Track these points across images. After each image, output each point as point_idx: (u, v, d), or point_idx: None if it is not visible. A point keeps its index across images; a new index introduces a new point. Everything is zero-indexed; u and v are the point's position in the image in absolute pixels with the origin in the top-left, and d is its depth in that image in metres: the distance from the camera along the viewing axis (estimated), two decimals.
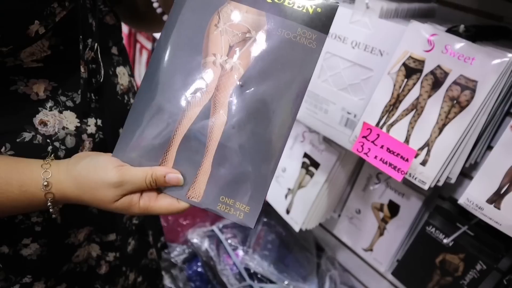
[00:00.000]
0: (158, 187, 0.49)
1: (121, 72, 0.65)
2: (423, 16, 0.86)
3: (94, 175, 0.47)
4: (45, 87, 0.52)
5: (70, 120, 0.54)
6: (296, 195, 1.00)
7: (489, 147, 0.79)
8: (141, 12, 0.69)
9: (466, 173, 0.85)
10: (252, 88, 0.47)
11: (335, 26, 0.79)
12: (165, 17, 0.64)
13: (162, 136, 0.48)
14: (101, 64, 0.56)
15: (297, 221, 1.00)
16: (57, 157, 0.54)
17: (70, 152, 0.54)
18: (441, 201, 0.90)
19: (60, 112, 0.54)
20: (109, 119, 0.61)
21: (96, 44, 0.54)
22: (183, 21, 0.49)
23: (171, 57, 0.48)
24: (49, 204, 0.48)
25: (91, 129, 0.57)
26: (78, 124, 0.55)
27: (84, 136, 0.57)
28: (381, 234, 0.96)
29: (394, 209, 0.93)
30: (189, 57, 0.48)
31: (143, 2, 0.67)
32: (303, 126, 0.99)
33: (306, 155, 0.98)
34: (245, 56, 0.48)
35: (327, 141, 0.95)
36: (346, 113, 0.80)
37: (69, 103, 0.55)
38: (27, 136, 0.51)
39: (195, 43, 0.48)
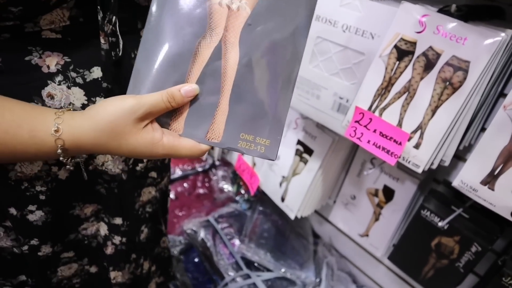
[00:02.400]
0: (177, 132, 0.49)
1: None
2: None
3: (110, 107, 0.46)
4: (58, 61, 0.53)
5: (77, 96, 0.54)
6: (290, 183, 0.99)
7: (483, 129, 0.79)
8: None
9: (460, 156, 0.85)
10: (261, 26, 0.48)
11: (325, 9, 0.79)
12: None
13: (175, 81, 0.49)
14: (120, 37, 0.55)
15: (292, 208, 0.99)
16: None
17: None
18: (435, 185, 0.90)
19: (69, 87, 0.54)
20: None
21: (114, 17, 0.53)
22: None
23: (174, 2, 0.48)
24: (59, 151, 0.47)
25: None
26: (86, 102, 0.55)
27: None
28: (377, 219, 0.96)
29: (389, 194, 0.92)
30: (193, 1, 0.48)
31: None
32: (295, 112, 0.98)
33: (299, 142, 0.97)
34: None
35: (320, 127, 0.94)
36: (338, 98, 0.79)
37: (79, 80, 0.54)
38: None
39: None
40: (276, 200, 1.03)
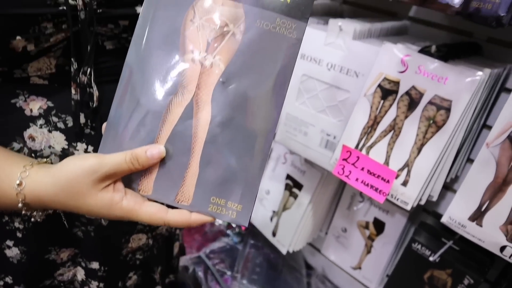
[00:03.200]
0: (144, 194, 0.47)
1: None
2: (396, 34, 0.87)
3: (71, 165, 0.45)
4: (41, 105, 0.54)
5: (58, 140, 0.55)
6: (281, 218, 0.99)
7: (469, 160, 0.80)
8: None
9: (449, 186, 0.86)
10: (235, 84, 0.46)
11: (309, 48, 0.80)
12: None
13: (145, 139, 0.47)
14: (95, 88, 0.55)
15: (284, 243, 0.99)
16: None
17: None
18: (425, 215, 0.91)
19: (50, 131, 0.55)
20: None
21: (89, 69, 0.53)
22: (157, 18, 0.47)
23: (147, 56, 0.47)
24: (20, 205, 0.46)
25: (78, 152, 0.57)
26: (66, 146, 0.56)
27: None
28: (369, 251, 0.95)
29: (379, 226, 0.92)
30: (166, 55, 0.46)
31: None
32: (284, 147, 0.99)
33: (288, 177, 0.98)
34: (225, 51, 0.46)
35: (308, 162, 0.95)
36: (326, 135, 0.80)
37: (60, 125, 0.55)
38: (16, 146, 0.54)
39: (171, 40, 0.46)
40: (267, 234, 1.03)
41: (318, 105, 0.81)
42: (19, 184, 0.46)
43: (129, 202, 0.46)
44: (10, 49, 0.48)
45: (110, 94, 0.56)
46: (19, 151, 0.54)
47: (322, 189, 0.93)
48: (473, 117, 0.67)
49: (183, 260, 1.15)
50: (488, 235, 0.62)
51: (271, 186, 1.01)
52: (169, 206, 0.47)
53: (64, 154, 0.56)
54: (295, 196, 0.96)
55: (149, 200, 0.47)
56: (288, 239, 0.97)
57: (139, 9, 0.55)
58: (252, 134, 0.46)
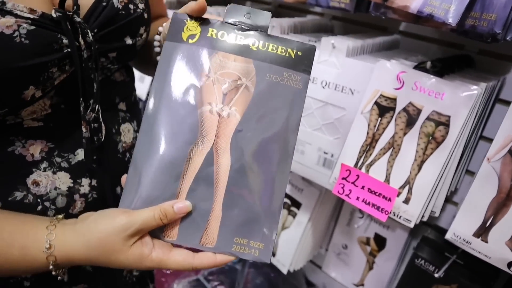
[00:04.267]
0: (171, 241, 0.49)
1: (126, 129, 0.64)
2: (388, 48, 0.87)
3: (102, 225, 0.46)
4: (42, 148, 0.53)
5: (63, 180, 0.54)
6: (280, 237, 0.97)
7: (468, 171, 0.80)
8: (152, 65, 0.68)
9: (448, 199, 0.85)
10: (250, 132, 0.49)
11: None
12: None
13: (168, 189, 0.49)
14: (102, 124, 0.56)
15: (284, 263, 0.97)
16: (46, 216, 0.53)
17: (59, 212, 0.54)
18: (426, 228, 0.90)
19: (54, 173, 0.53)
20: (108, 177, 0.60)
21: (97, 106, 0.54)
22: (174, 73, 0.50)
23: (167, 109, 0.49)
24: (51, 267, 0.47)
25: (84, 189, 0.57)
26: (71, 184, 0.55)
27: (76, 196, 0.56)
28: (371, 268, 0.94)
29: (380, 242, 0.91)
30: (185, 107, 0.49)
31: (153, 58, 0.67)
32: None
33: (286, 195, 0.96)
34: (240, 102, 0.50)
35: (306, 179, 0.93)
36: (323, 153, 0.79)
37: (64, 164, 0.54)
38: (18, 195, 0.52)
39: (189, 94, 0.50)
40: None
41: (314, 123, 0.80)
42: (49, 248, 0.46)
43: (158, 254, 0.47)
44: (21, 99, 0.47)
45: (106, 121, 0.57)
46: (23, 199, 0.52)
47: (321, 207, 0.92)
48: (471, 130, 0.67)
49: (182, 284, 1.12)
50: (494, 251, 0.61)
51: None
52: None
53: (70, 192, 0.55)
54: (294, 215, 0.94)
55: (174, 245, 0.49)
56: (289, 258, 0.95)
57: (128, 40, 0.56)
58: (270, 177, 0.50)
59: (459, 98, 0.62)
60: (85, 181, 0.56)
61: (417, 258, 0.81)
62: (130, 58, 0.62)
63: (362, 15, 0.89)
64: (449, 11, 0.49)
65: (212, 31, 0.51)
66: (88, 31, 0.49)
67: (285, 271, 0.97)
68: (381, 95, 0.68)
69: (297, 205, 0.94)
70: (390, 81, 0.67)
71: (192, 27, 0.51)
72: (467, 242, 0.64)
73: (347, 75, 0.74)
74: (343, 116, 0.76)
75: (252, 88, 0.50)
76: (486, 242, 0.62)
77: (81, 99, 0.51)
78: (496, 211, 0.61)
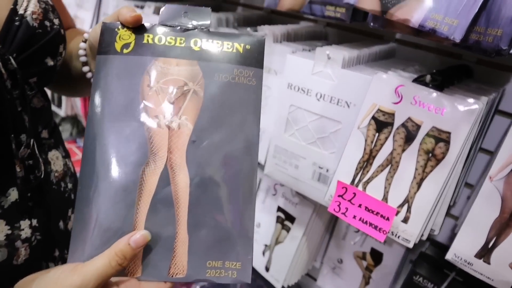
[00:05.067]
0: (135, 276, 0.43)
1: (54, 156, 0.59)
2: (385, 57, 0.84)
3: None
4: None
5: None
6: (274, 252, 0.94)
7: (467, 184, 0.77)
8: (75, 80, 0.62)
9: (446, 212, 0.83)
10: (206, 141, 0.45)
11: (296, 78, 0.76)
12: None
13: (123, 219, 0.43)
14: (40, 159, 0.50)
15: (278, 278, 0.94)
16: None
17: (2, 266, 0.48)
18: (423, 242, 0.87)
19: None
20: (47, 214, 0.54)
21: (32, 140, 0.48)
22: (111, 90, 0.45)
23: (109, 130, 0.44)
24: None
25: (25, 232, 0.51)
26: (9, 232, 0.49)
27: (18, 243, 0.50)
28: (367, 283, 0.91)
29: (377, 257, 0.88)
30: (129, 126, 0.44)
31: (77, 71, 0.60)
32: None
33: (280, 209, 0.93)
34: (190, 110, 0.45)
35: (300, 193, 0.90)
36: (318, 168, 0.76)
37: None
38: None
39: (131, 109, 0.44)
40: (260, 269, 0.98)
41: (309, 137, 0.77)
42: None
43: None
44: None
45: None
46: None
47: (316, 221, 0.89)
48: (472, 145, 0.64)
49: None
50: (497, 273, 0.59)
51: (262, 219, 0.96)
52: None
53: (10, 240, 0.48)
54: (288, 229, 0.91)
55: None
56: (283, 274, 0.92)
57: (49, 61, 0.50)
58: (234, 187, 0.45)
59: (460, 114, 0.59)
60: (24, 224, 0.50)
61: (415, 275, 0.78)
62: (50, 81, 0.56)
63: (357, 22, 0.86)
64: (453, 26, 0.46)
65: (148, 36, 0.46)
66: (10, 57, 0.44)
67: (279, 287, 0.94)
68: (378, 109, 0.65)
69: (291, 219, 0.91)
70: (388, 95, 0.64)
71: (125, 35, 0.46)
72: (468, 263, 0.61)
73: (343, 87, 0.71)
74: (339, 129, 0.73)
75: (201, 92, 0.45)
76: (489, 263, 0.59)
77: (12, 135, 0.45)
78: (499, 231, 0.58)
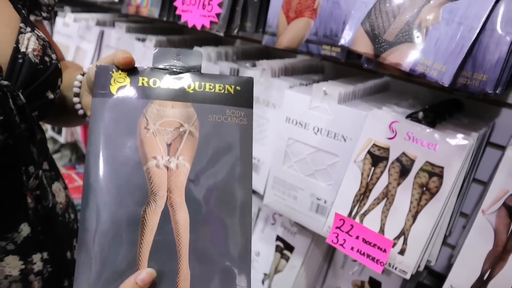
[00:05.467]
0: None
1: (57, 188, 0.61)
2: (379, 91, 0.87)
3: None
4: None
5: (12, 265, 0.49)
6: (273, 280, 0.95)
7: (462, 214, 0.79)
8: (67, 111, 0.64)
9: (444, 241, 0.84)
10: (203, 179, 0.47)
11: (294, 112, 0.79)
12: (87, 119, 0.59)
13: (127, 260, 0.44)
14: (48, 188, 0.52)
15: None
16: None
17: None
18: (421, 271, 0.88)
19: (1, 259, 0.49)
20: (56, 245, 0.56)
21: (40, 172, 0.50)
22: (109, 134, 0.46)
23: (109, 173, 0.45)
24: None
25: (38, 266, 0.52)
26: (23, 266, 0.50)
27: (31, 277, 0.52)
28: None
29: (375, 286, 0.89)
30: (129, 167, 0.46)
31: (69, 102, 0.62)
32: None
33: (279, 238, 0.94)
34: (187, 150, 0.47)
35: (299, 223, 0.92)
36: (316, 199, 0.78)
37: (10, 246, 0.49)
38: None
39: (130, 152, 0.46)
40: None
41: (306, 169, 0.79)
42: None
43: None
44: None
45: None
46: None
47: (314, 250, 0.90)
48: (464, 178, 0.66)
49: None
50: None
51: (261, 248, 0.97)
52: None
53: (24, 274, 0.50)
54: (287, 259, 0.93)
55: None
56: None
57: (50, 95, 0.53)
58: (232, 221, 0.47)
59: (451, 149, 0.62)
60: (36, 257, 0.52)
61: None
62: (48, 114, 0.58)
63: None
64: (441, 72, 0.49)
65: (143, 79, 0.48)
66: (19, 93, 0.46)
67: None
68: (374, 144, 0.68)
69: (290, 248, 0.92)
70: (383, 130, 0.67)
71: (119, 78, 0.48)
72: None
73: (339, 122, 0.74)
74: (336, 162, 0.75)
75: (197, 132, 0.47)
76: None
77: (23, 168, 0.48)
78: (493, 264, 0.60)
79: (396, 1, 0.55)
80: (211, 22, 0.84)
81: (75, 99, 0.56)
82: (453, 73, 0.49)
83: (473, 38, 0.48)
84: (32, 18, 0.61)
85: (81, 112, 0.57)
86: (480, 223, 0.61)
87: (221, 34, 0.83)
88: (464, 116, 0.75)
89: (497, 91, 0.54)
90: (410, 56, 0.52)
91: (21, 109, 0.46)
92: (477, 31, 0.48)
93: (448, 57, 0.49)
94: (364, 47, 0.57)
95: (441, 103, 0.74)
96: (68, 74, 0.62)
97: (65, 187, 0.65)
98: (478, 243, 0.61)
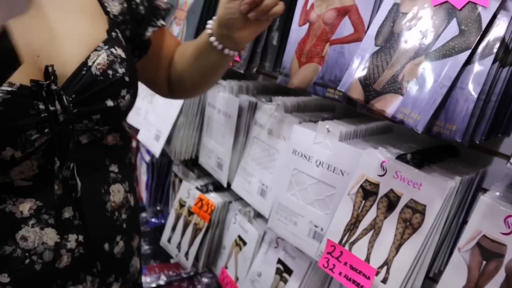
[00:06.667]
0: None
1: (116, 189, 0.69)
2: (382, 132, 0.95)
3: None
4: (30, 206, 0.58)
5: (50, 236, 0.59)
6: None
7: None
8: (207, 63, 0.79)
9: (435, 279, 0.89)
10: None
11: (301, 145, 0.88)
12: (226, 51, 0.74)
13: None
14: (78, 180, 0.60)
15: None
16: (33, 270, 0.58)
17: (46, 265, 0.59)
18: None
19: (42, 229, 0.59)
20: (94, 234, 0.65)
21: (72, 164, 0.59)
22: None
23: None
24: None
25: (71, 244, 0.62)
26: (58, 240, 0.60)
27: (63, 251, 0.61)
28: None
29: None
30: None
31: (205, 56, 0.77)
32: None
33: (280, 261, 1.01)
34: None
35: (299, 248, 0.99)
36: (314, 226, 0.85)
37: (51, 221, 0.60)
38: (8, 249, 0.57)
39: None
40: None
41: (307, 198, 0.87)
42: None
43: None
44: (1, 159, 0.53)
45: (89, 184, 0.63)
46: (12, 253, 0.57)
47: (311, 276, 0.96)
48: (450, 218, 0.72)
49: None
50: None
51: (262, 269, 1.04)
52: None
53: (57, 247, 0.60)
54: (285, 281, 0.99)
55: None
56: None
57: (109, 102, 0.62)
58: None
59: (434, 190, 0.69)
60: (72, 237, 0.61)
61: None
62: (116, 119, 0.67)
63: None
64: (417, 120, 0.57)
65: None
66: (64, 96, 0.56)
67: None
68: (366, 179, 0.75)
69: (289, 272, 0.99)
70: (375, 167, 0.74)
71: None
72: None
73: (339, 157, 0.82)
74: (334, 194, 0.82)
75: None
76: None
77: (56, 158, 0.57)
78: None
79: (386, 57, 0.64)
80: (234, 61, 0.95)
81: (211, 38, 0.72)
82: (426, 122, 0.57)
83: (444, 93, 0.56)
84: (150, 30, 0.75)
85: (220, 46, 0.73)
86: (456, 260, 0.67)
87: (241, 71, 0.94)
88: (456, 162, 0.82)
89: (476, 141, 0.61)
90: (393, 105, 0.60)
91: (65, 109, 0.56)
92: (447, 88, 0.56)
93: (423, 108, 0.57)
94: (357, 93, 0.66)
95: (433, 148, 0.81)
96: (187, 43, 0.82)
97: (129, 191, 0.73)
98: (453, 279, 0.66)
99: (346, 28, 0.79)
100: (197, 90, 0.90)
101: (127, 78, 0.65)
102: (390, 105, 0.61)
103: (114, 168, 0.69)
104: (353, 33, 0.77)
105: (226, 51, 0.74)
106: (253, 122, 1.06)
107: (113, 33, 0.67)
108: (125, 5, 0.71)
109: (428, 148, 0.80)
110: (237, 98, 1.07)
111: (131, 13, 0.71)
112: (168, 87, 0.87)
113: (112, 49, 0.64)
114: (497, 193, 0.68)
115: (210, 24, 0.73)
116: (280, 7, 0.67)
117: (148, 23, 0.75)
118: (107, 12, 0.68)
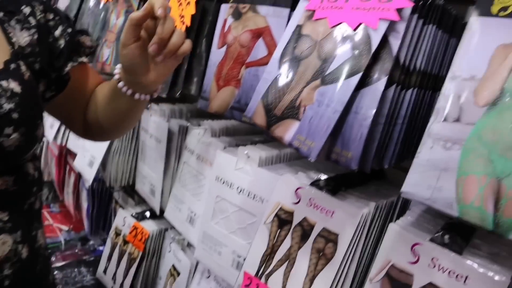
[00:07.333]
0: None
1: (0, 241, 0.62)
2: None
3: None
4: None
5: None
6: None
7: None
8: (119, 110, 0.75)
9: None
10: None
11: (223, 171, 0.84)
12: (136, 96, 0.71)
13: None
14: None
15: None
16: None
17: None
18: None
19: None
20: None
21: None
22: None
23: None
24: None
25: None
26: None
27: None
28: None
29: None
30: None
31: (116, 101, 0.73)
32: None
33: None
34: None
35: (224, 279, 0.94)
36: (237, 256, 0.81)
37: None
38: None
39: None
40: None
41: (230, 226, 0.83)
42: None
43: None
44: None
45: None
46: None
47: None
48: (367, 246, 0.69)
49: None
50: None
51: None
52: None
53: None
54: None
55: None
56: None
57: None
58: None
59: (346, 218, 0.66)
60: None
61: None
62: (1, 160, 0.61)
63: None
64: (310, 147, 0.55)
65: None
66: None
67: None
68: (281, 208, 0.72)
69: None
70: (289, 195, 0.71)
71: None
72: None
73: (259, 184, 0.78)
74: (254, 222, 0.79)
75: None
76: None
77: None
78: None
79: (286, 80, 0.61)
80: None
81: (120, 84, 0.69)
82: (319, 149, 0.54)
83: (337, 119, 0.54)
84: (69, 65, 0.72)
85: (129, 92, 0.70)
86: None
87: (163, 95, 0.90)
88: (380, 185, 0.79)
89: (385, 166, 0.58)
90: (290, 131, 0.58)
91: None
92: (340, 113, 0.53)
93: (317, 134, 0.55)
94: (260, 119, 0.63)
95: (352, 172, 0.78)
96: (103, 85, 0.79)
97: (22, 241, 0.65)
98: None
99: (260, 50, 0.77)
100: (113, 133, 0.85)
101: (15, 115, 0.60)
102: (288, 132, 0.58)
103: (2, 216, 0.63)
104: (267, 55, 0.75)
105: (137, 95, 0.70)
106: (184, 147, 1.02)
107: (13, 65, 0.62)
108: (35, 36, 0.67)
109: (350, 172, 0.78)
110: (166, 122, 1.04)
111: (43, 45, 0.67)
112: (84, 127, 0.82)
113: (3, 82, 0.60)
114: (410, 218, 0.66)
115: (118, 68, 0.69)
116: (187, 45, 0.63)
117: (69, 58, 0.71)
118: (12, 43, 0.64)
